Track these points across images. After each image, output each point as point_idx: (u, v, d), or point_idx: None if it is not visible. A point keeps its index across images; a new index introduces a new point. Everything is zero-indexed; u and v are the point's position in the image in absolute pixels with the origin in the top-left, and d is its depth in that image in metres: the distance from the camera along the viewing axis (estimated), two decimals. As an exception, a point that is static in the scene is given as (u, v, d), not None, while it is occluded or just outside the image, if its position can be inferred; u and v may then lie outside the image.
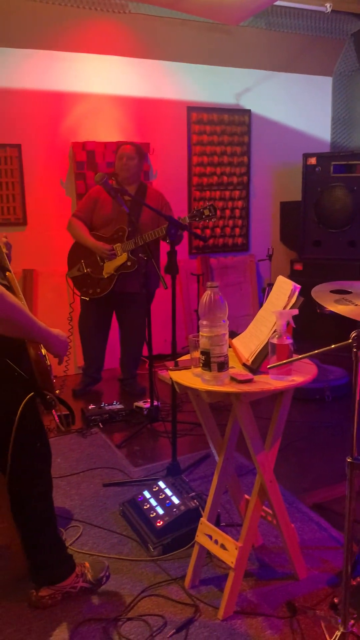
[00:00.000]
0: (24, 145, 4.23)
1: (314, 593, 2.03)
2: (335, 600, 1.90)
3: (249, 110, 5.06)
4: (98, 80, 4.41)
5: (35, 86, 4.21)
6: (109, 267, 3.70)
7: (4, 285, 1.83)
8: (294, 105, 5.27)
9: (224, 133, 4.99)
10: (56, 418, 1.98)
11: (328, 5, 4.85)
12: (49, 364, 1.94)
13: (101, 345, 4.06)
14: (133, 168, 3.75)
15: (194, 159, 4.91)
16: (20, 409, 1.83)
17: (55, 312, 4.29)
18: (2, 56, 4.07)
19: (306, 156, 4.84)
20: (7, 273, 1.97)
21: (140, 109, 4.60)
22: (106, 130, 4.48)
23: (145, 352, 4.09)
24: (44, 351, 1.92)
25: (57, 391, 1.99)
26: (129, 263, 3.67)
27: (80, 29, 4.28)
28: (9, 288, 1.90)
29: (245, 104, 5.05)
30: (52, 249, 4.39)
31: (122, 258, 3.68)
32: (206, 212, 3.29)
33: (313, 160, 4.81)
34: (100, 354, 4.09)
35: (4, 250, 2.05)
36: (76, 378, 4.24)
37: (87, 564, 2.09)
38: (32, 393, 1.87)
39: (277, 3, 4.51)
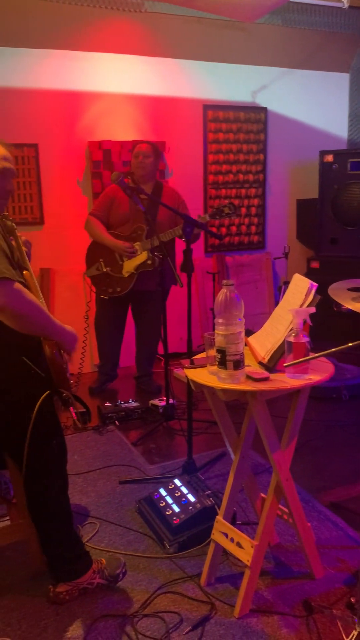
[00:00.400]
0: (41, 145, 4.26)
1: (330, 592, 2.02)
2: (352, 600, 1.89)
3: (265, 108, 5.04)
4: (114, 79, 4.42)
5: (51, 86, 4.24)
6: (129, 266, 3.70)
7: (21, 283, 1.85)
8: (310, 102, 5.23)
9: (240, 131, 4.97)
10: (73, 415, 2.00)
11: (345, 0, 4.80)
12: (64, 362, 1.96)
13: (117, 343, 4.08)
14: (149, 166, 3.75)
15: (210, 157, 4.90)
16: (36, 407, 1.85)
17: (71, 310, 4.32)
18: (20, 56, 4.10)
19: (323, 153, 4.80)
20: (25, 272, 1.99)
21: (156, 108, 4.61)
22: (122, 130, 4.50)
23: (160, 350, 4.11)
24: (59, 350, 1.94)
25: (73, 389, 2.01)
26: (149, 262, 3.68)
27: (96, 28, 4.30)
28: (26, 286, 1.92)
29: (262, 101, 5.03)
30: (68, 248, 4.41)
31: (142, 256, 3.68)
32: (226, 209, 3.38)
33: (330, 158, 4.77)
34: (116, 351, 4.10)
35: (24, 248, 2.07)
36: (92, 376, 4.27)
37: (103, 561, 2.11)
38: (48, 391, 1.89)
39: (293, -1, 4.49)
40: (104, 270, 3.77)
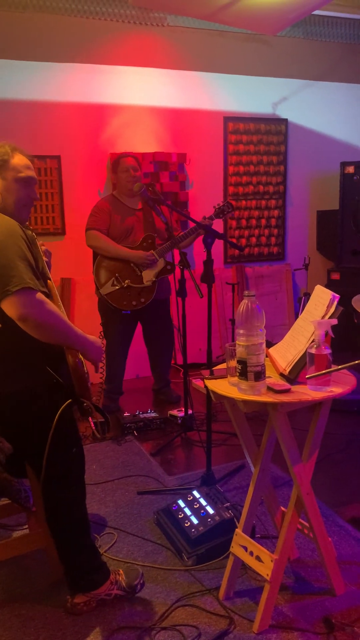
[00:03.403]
0: (64, 157, 4.32)
1: (352, 609, 1.98)
2: (374, 618, 1.85)
3: (286, 120, 5.05)
4: (136, 92, 4.47)
5: (75, 99, 4.30)
6: (149, 275, 3.69)
7: (44, 292, 1.87)
8: (331, 114, 5.23)
9: (261, 142, 4.99)
10: (92, 425, 2.00)
11: (367, 13, 4.81)
12: (86, 371, 1.97)
13: (125, 360, 3.94)
14: (139, 180, 3.74)
15: (230, 169, 4.92)
16: (57, 415, 1.85)
17: (91, 319, 4.33)
18: (45, 70, 4.17)
19: (344, 165, 4.78)
20: (48, 281, 2.01)
21: (177, 120, 4.65)
22: (144, 142, 4.54)
23: (179, 360, 4.09)
24: (82, 359, 1.94)
25: (94, 398, 2.01)
26: (168, 267, 3.70)
27: (119, 43, 4.36)
28: (49, 295, 1.94)
29: (282, 113, 5.04)
30: (89, 259, 4.42)
31: (160, 263, 3.70)
32: (227, 208, 3.64)
33: (351, 169, 4.75)
34: (123, 370, 3.96)
35: (45, 258, 2.09)
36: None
37: (121, 572, 2.10)
38: (69, 400, 1.90)
39: (315, 12, 4.50)
40: (124, 284, 3.65)
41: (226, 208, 3.66)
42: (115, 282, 3.67)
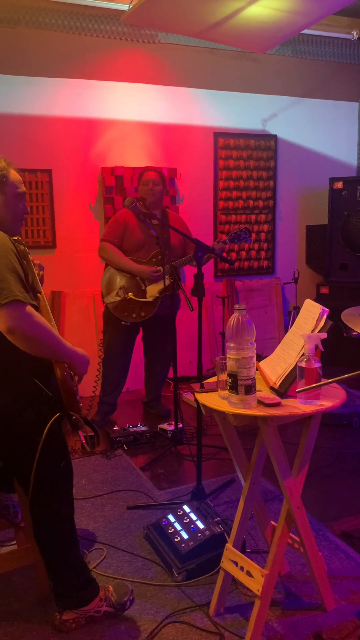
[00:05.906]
0: (55, 171, 4.34)
1: (342, 625, 1.97)
2: (365, 633, 1.84)
3: (275, 136, 5.11)
4: (127, 108, 4.51)
5: (66, 113, 4.33)
6: (153, 290, 3.67)
7: (34, 305, 1.87)
8: (320, 131, 5.30)
9: (250, 158, 5.04)
10: (82, 439, 1.99)
11: (354, 32, 4.91)
12: (75, 385, 1.96)
13: (126, 371, 3.95)
14: (158, 194, 3.76)
15: (220, 184, 4.96)
16: (46, 429, 1.84)
17: (81, 332, 4.34)
18: (37, 85, 4.21)
19: (333, 180, 4.85)
20: (38, 294, 2.01)
21: (168, 135, 4.69)
22: (134, 156, 4.57)
23: (170, 373, 4.07)
24: (71, 372, 1.94)
25: (84, 412, 2.00)
26: (172, 285, 3.70)
27: (111, 59, 4.41)
28: (38, 308, 1.94)
29: (272, 129, 5.11)
30: (80, 272, 4.46)
31: (166, 281, 3.70)
32: (242, 234, 3.60)
33: (340, 185, 4.81)
34: (124, 381, 3.96)
35: (36, 271, 2.09)
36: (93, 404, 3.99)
37: (110, 588, 2.07)
38: (58, 414, 1.88)
39: (303, 31, 4.58)
40: (127, 296, 3.66)
41: (243, 234, 3.61)
42: (119, 293, 3.69)
